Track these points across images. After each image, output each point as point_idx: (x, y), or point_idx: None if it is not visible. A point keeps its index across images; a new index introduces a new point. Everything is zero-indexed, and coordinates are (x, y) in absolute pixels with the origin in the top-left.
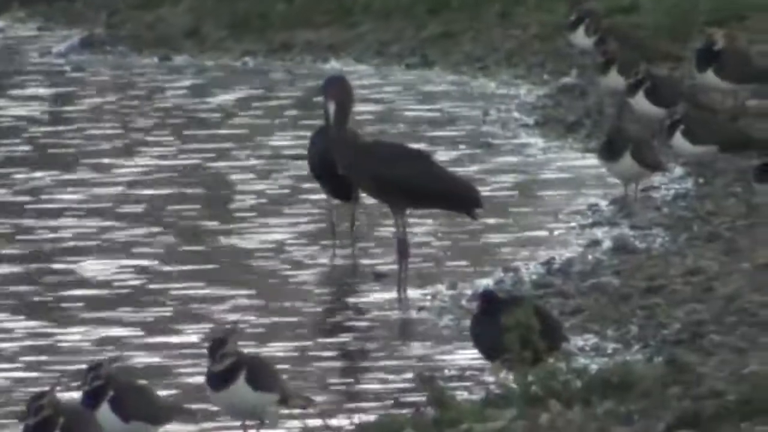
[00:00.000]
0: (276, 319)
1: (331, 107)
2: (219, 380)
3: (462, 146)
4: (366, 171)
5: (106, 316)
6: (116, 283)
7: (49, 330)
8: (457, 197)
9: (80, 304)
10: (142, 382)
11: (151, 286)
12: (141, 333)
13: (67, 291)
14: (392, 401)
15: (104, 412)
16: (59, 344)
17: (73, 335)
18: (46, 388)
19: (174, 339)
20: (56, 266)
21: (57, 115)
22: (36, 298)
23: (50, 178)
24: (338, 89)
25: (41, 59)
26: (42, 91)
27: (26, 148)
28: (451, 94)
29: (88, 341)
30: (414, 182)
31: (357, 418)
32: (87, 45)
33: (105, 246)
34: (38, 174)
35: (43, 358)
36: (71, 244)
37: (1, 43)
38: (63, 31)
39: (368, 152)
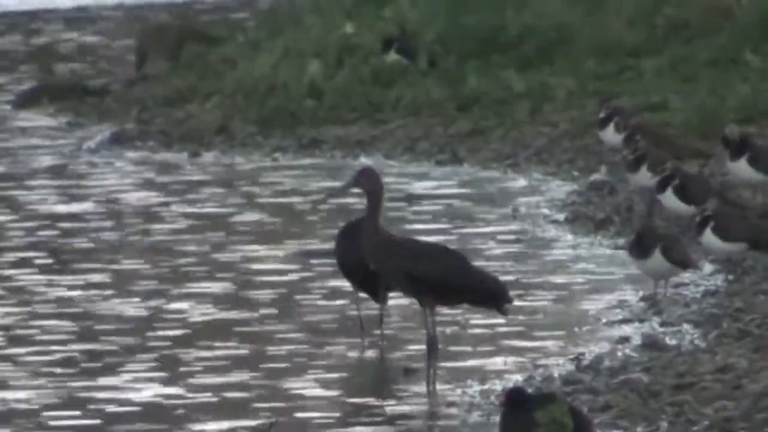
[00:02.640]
0: (304, 412)
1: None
2: None
3: (491, 242)
4: (397, 266)
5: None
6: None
7: None
8: (486, 293)
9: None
10: None
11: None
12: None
13: None
14: None
15: None
16: None
17: None
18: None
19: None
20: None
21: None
22: None
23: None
24: (370, 180)
25: (71, 155)
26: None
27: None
28: (480, 191)
29: None
30: (444, 278)
31: None
32: (117, 140)
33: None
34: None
35: None
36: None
37: (30, 139)
38: (93, 126)
39: (399, 248)
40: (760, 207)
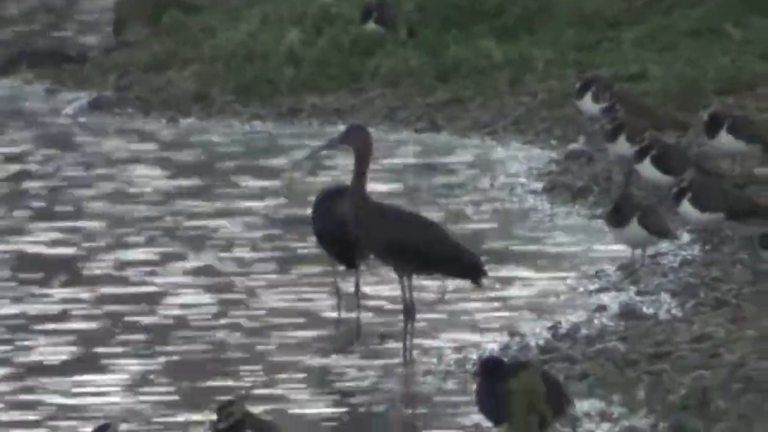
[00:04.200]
0: (279, 380)
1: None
2: None
3: (469, 211)
4: (378, 232)
5: None
6: None
7: None
8: (463, 265)
9: None
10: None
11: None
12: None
13: None
14: None
15: None
16: None
17: None
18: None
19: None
20: None
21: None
22: None
23: None
24: (359, 138)
25: (50, 120)
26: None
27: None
28: (458, 160)
29: None
30: (424, 248)
31: None
32: (96, 107)
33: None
34: None
35: None
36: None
37: (9, 105)
38: (71, 93)
39: (381, 214)
40: (737, 177)
